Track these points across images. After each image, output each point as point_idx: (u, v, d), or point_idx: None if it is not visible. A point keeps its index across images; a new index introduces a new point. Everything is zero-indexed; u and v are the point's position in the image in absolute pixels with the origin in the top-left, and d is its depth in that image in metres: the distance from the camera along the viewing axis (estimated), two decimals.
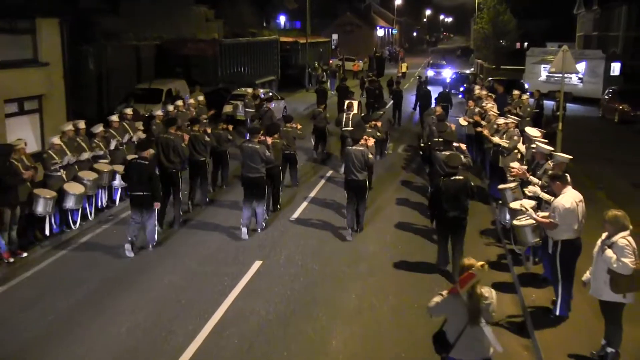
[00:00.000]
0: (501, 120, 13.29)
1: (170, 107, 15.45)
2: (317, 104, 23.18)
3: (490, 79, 31.22)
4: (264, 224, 11.36)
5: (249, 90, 21.17)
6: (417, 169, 16.82)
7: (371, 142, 11.52)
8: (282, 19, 59.88)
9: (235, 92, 23.27)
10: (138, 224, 10.22)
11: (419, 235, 11.32)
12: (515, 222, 8.80)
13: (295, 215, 12.33)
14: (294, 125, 14.12)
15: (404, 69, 45.96)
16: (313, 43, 41.40)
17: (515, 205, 9.21)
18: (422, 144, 15.94)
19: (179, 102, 16.25)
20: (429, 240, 10.85)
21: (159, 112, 14.79)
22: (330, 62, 45.14)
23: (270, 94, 23.44)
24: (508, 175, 11.49)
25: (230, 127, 14.25)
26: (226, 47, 26.84)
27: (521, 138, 12.21)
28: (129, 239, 10.22)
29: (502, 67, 47.23)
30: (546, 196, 8.35)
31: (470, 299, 5.12)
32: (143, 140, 11.31)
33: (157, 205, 10.28)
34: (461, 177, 9.21)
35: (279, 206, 12.59)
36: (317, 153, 17.48)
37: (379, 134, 14.73)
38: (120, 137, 13.15)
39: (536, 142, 10.01)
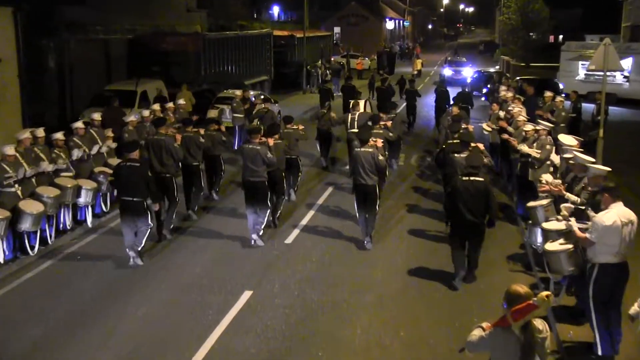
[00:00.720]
0: (529, 127, 13.45)
1: (146, 112, 15.60)
2: (320, 106, 23.97)
3: (518, 78, 31.41)
4: (262, 231, 11.98)
5: (237, 92, 21.39)
6: (432, 176, 17.12)
7: (379, 143, 12.07)
8: (276, 10, 60.50)
9: (222, 94, 23.52)
10: (132, 230, 10.76)
11: (434, 255, 11.46)
12: (547, 246, 8.88)
13: (291, 238, 12.44)
14: (294, 127, 14.60)
15: (418, 67, 46.82)
16: (312, 37, 41.74)
17: (548, 225, 9.30)
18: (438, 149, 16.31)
19: (156, 106, 16.42)
20: (445, 260, 10.92)
21: (132, 118, 14.95)
22: (332, 59, 45.44)
23: (262, 96, 23.59)
24: (539, 191, 11.62)
25: (223, 128, 14.80)
26: (211, 42, 27.10)
27: (554, 147, 12.33)
28: (128, 248, 10.84)
29: (532, 64, 47.54)
30: (576, 226, 8.16)
31: (525, 332, 5.09)
32: (130, 141, 11.93)
33: (156, 207, 10.97)
34: (481, 179, 9.78)
35: (278, 215, 13.00)
36: (325, 160, 18.12)
37: (390, 134, 15.08)
38: (87, 147, 13.27)
39: (573, 152, 10.11)
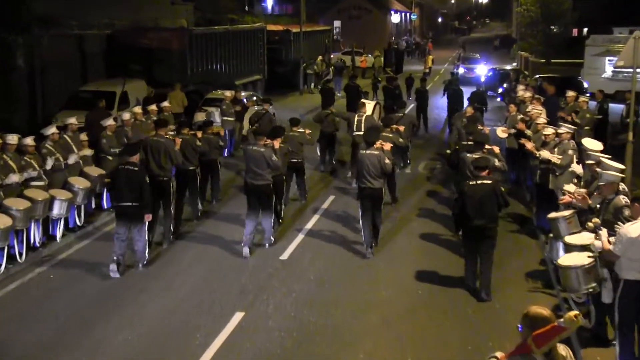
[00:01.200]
0: (550, 130, 13.54)
1: (127, 116, 15.68)
2: (322, 107, 24.44)
3: (537, 76, 31.57)
4: (272, 239, 12.71)
5: (227, 93, 21.48)
6: (444, 180, 17.30)
7: (388, 146, 12.65)
8: (270, 2, 60.64)
9: (210, 95, 23.66)
10: (123, 241, 11.29)
11: (445, 271, 11.57)
12: (561, 260, 9.01)
13: (287, 253, 12.54)
14: (300, 130, 15.21)
15: (429, 64, 47.76)
16: (309, 32, 41.98)
17: (571, 239, 9.41)
18: (448, 151, 17.27)
19: (137, 109, 16.51)
20: (457, 277, 11.04)
21: (110, 122, 15.00)
22: (332, 56, 45.62)
23: (255, 97, 23.78)
24: (560, 202, 11.71)
25: (222, 132, 15.63)
26: (197, 38, 27.23)
27: (577, 152, 12.43)
28: (115, 258, 11.28)
29: (553, 60, 47.61)
30: (606, 236, 8.23)
31: None
32: (131, 143, 12.69)
33: (148, 218, 11.45)
34: (489, 181, 10.47)
35: (280, 221, 13.83)
36: (325, 164, 18.76)
37: (400, 139, 15.73)
38: (61, 155, 13.30)
39: (600, 159, 10.15)
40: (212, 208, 15.14)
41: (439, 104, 29.19)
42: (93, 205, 14.41)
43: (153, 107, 17.20)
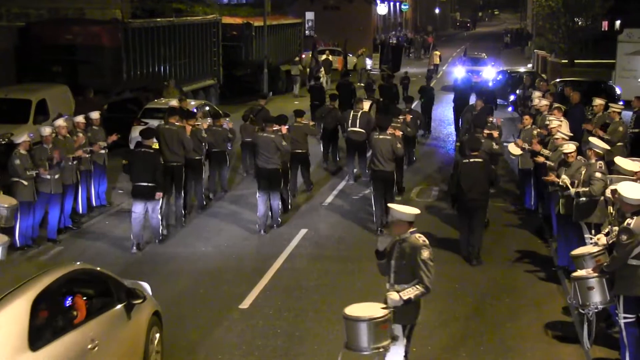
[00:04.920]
0: (571, 148, 13.33)
1: (47, 130, 15.54)
2: (310, 107, 26.72)
3: (558, 80, 31.91)
4: (279, 220, 16.45)
5: (173, 102, 21.45)
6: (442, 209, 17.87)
7: (398, 132, 16.51)
8: None
9: (151, 105, 23.77)
10: (140, 220, 14.82)
11: (440, 308, 11.80)
12: (575, 274, 9.90)
13: (248, 301, 12.60)
14: (305, 121, 18.87)
15: (437, 60, 51.86)
16: (276, 27, 42.25)
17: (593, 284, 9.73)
18: (458, 143, 21.12)
19: (60, 122, 16.38)
20: (459, 314, 11.22)
21: (24, 139, 14.90)
22: (303, 56, 45.80)
23: (207, 107, 23.75)
24: (588, 236, 11.87)
25: (231, 125, 19.48)
26: (135, 34, 27.12)
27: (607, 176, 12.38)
28: (134, 241, 14.85)
29: (577, 61, 47.96)
30: None
31: None
32: (146, 128, 16.25)
33: (158, 196, 14.87)
34: (480, 160, 14.18)
35: (289, 207, 17.56)
36: (328, 162, 22.44)
37: (409, 129, 19.91)
38: None
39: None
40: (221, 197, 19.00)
41: (437, 114, 29.69)
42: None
43: (80, 118, 17.08)
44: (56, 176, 15.01)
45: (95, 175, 17.35)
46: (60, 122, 16.15)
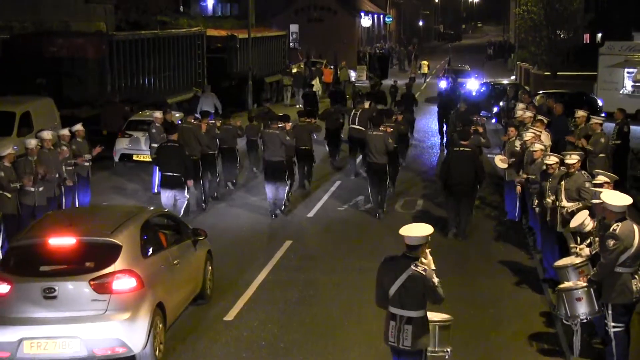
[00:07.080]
0: (553, 159, 13.37)
1: (32, 143, 15.46)
2: (304, 113, 26.12)
3: (541, 92, 32.12)
4: (284, 205, 18.48)
5: (157, 114, 21.35)
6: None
7: (390, 129, 18.31)
8: (210, 2, 60.81)
9: (135, 117, 23.70)
10: (168, 203, 16.61)
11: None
12: (562, 285, 9.90)
13: (232, 314, 12.58)
14: (308, 120, 20.83)
15: (425, 70, 56.37)
16: (260, 39, 42.31)
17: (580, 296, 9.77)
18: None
19: (46, 134, 16.31)
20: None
21: (9, 151, 14.83)
22: (289, 67, 46.00)
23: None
24: (572, 245, 11.85)
25: (238, 123, 21.24)
26: (119, 46, 27.19)
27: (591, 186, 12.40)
28: None
29: (559, 73, 48.16)
30: None
31: None
32: (170, 124, 18.61)
33: (190, 183, 16.95)
34: (468, 149, 16.03)
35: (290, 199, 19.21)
36: (335, 160, 24.38)
37: (402, 127, 21.77)
38: None
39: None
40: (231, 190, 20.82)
41: (421, 126, 29.77)
42: None
43: (64, 131, 17.08)
44: (40, 188, 14.90)
45: (79, 188, 17.28)
46: (45, 134, 16.09)
